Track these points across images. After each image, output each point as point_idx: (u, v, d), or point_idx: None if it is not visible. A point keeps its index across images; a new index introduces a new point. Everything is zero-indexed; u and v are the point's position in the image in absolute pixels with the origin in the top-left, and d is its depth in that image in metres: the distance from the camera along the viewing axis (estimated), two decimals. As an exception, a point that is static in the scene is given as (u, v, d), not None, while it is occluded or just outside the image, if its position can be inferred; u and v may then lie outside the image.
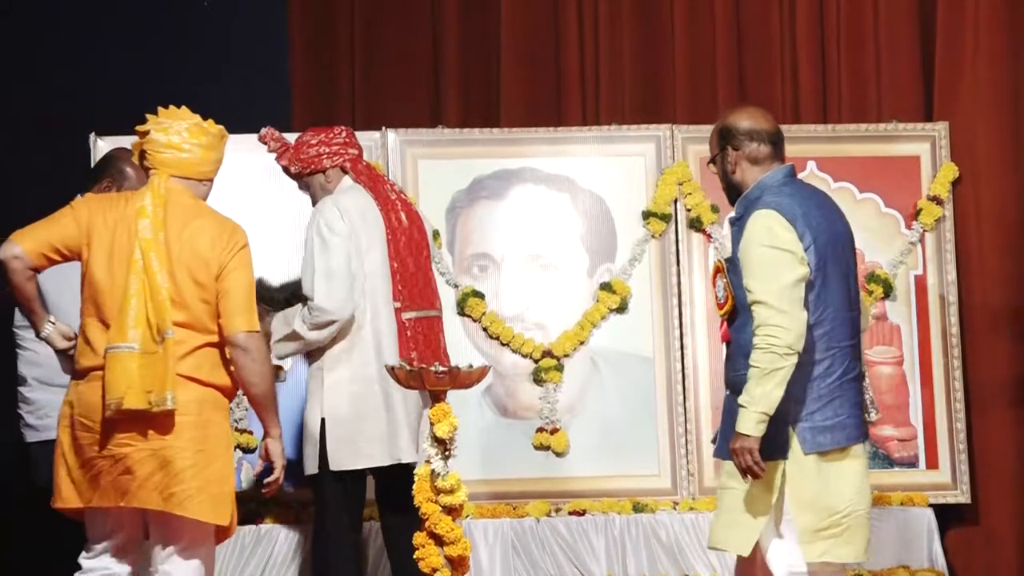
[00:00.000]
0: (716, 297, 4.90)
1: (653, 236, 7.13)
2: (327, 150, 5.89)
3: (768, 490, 4.70)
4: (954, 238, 7.27)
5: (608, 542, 6.75)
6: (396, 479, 5.69)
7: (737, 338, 4.79)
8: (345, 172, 5.91)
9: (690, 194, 7.13)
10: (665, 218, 7.12)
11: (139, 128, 4.95)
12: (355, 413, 5.65)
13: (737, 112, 4.98)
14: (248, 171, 6.69)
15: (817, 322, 4.70)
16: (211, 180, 5.01)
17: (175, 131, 4.90)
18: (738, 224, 4.81)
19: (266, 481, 5.02)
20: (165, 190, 4.84)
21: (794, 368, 4.62)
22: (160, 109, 4.96)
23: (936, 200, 7.25)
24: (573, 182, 7.15)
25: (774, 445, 4.66)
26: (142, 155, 4.95)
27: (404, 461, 5.66)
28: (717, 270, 4.88)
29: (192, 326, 4.78)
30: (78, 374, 4.82)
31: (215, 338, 4.82)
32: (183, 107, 4.98)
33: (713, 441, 5.08)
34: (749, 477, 4.66)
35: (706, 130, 7.26)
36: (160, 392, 4.65)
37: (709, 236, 7.14)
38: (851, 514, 4.72)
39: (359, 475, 5.70)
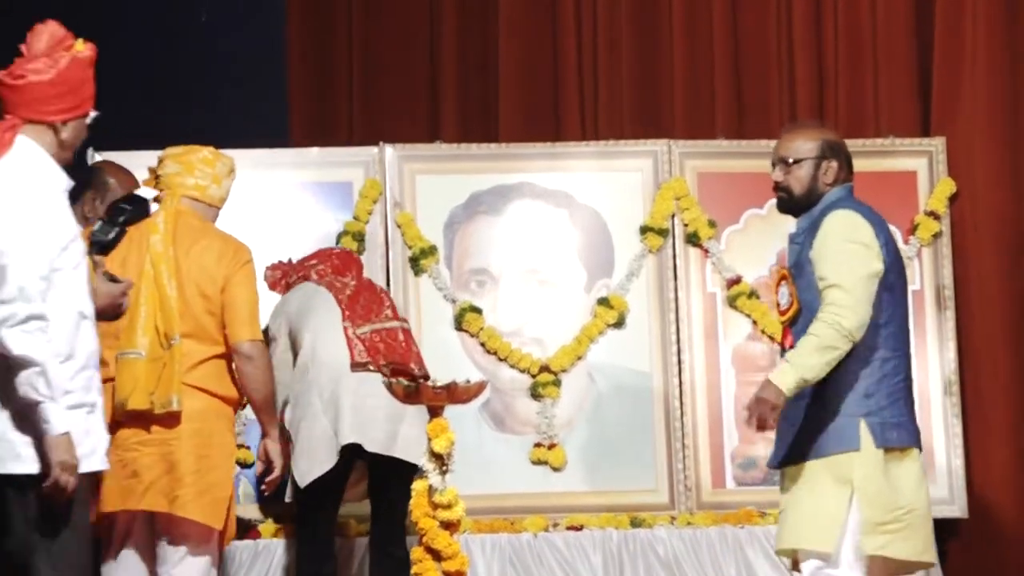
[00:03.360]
0: (778, 304, 5.00)
1: (650, 251, 7.13)
2: (295, 276, 6.07)
3: (842, 483, 4.75)
4: (951, 253, 7.26)
5: (605, 557, 6.74)
6: (389, 471, 5.80)
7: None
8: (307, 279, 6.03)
9: (687, 209, 7.13)
10: (662, 233, 7.12)
11: (152, 167, 5.31)
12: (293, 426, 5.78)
13: (834, 132, 5.14)
14: (246, 184, 6.68)
15: (888, 321, 4.81)
16: (218, 208, 5.31)
17: (186, 160, 5.23)
18: (804, 236, 4.90)
19: (266, 480, 5.35)
20: (176, 211, 5.15)
21: (864, 363, 4.73)
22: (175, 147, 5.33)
23: (933, 215, 7.25)
24: (571, 197, 7.15)
25: (845, 438, 4.74)
26: (156, 179, 5.27)
27: (346, 442, 5.61)
28: (782, 278, 4.97)
29: (199, 337, 5.02)
30: None
31: (222, 350, 5.07)
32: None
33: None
34: (756, 430, 4.73)
35: (703, 145, 7.32)
36: (165, 395, 4.90)
37: (706, 251, 7.14)
38: (911, 512, 4.79)
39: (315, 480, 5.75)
